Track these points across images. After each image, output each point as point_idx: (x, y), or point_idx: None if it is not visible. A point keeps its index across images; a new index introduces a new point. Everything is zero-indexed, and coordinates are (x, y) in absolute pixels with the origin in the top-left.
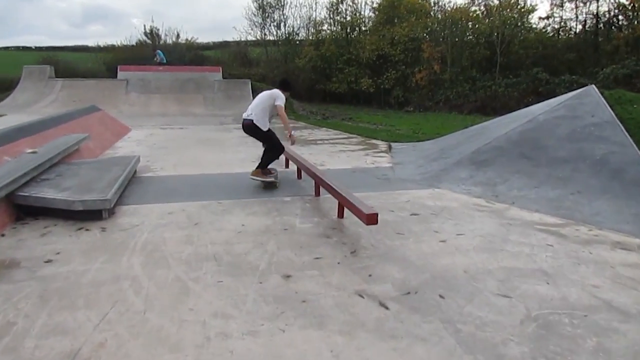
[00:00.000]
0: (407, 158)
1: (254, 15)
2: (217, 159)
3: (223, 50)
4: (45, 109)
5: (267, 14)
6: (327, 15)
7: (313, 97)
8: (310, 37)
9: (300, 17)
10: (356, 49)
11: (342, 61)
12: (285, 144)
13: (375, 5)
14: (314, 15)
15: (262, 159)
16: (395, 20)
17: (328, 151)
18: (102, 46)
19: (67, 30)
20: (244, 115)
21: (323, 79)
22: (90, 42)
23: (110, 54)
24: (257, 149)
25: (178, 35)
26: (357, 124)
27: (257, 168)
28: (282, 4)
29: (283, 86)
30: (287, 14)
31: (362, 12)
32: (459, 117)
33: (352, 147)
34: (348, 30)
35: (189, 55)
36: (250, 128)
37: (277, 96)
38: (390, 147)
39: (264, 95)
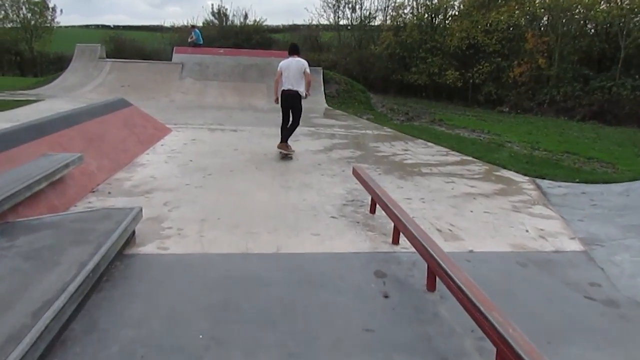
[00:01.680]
0: (596, 225)
1: None
2: (274, 205)
3: (293, 34)
4: (90, 95)
5: None
6: None
7: (388, 88)
8: (389, 22)
9: None
10: (442, 37)
11: (425, 50)
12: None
13: None
14: None
15: (289, 131)
16: (491, 4)
17: (445, 194)
18: (169, 26)
19: (147, 10)
20: (286, 87)
21: (401, 69)
22: (167, 23)
23: (176, 34)
24: (334, 184)
25: (246, 16)
26: (453, 130)
27: (283, 142)
28: None
29: (298, 51)
30: None
31: None
32: (573, 124)
33: (480, 186)
34: (433, 15)
35: (255, 38)
36: (295, 97)
37: (305, 65)
38: (542, 192)
39: (294, 66)
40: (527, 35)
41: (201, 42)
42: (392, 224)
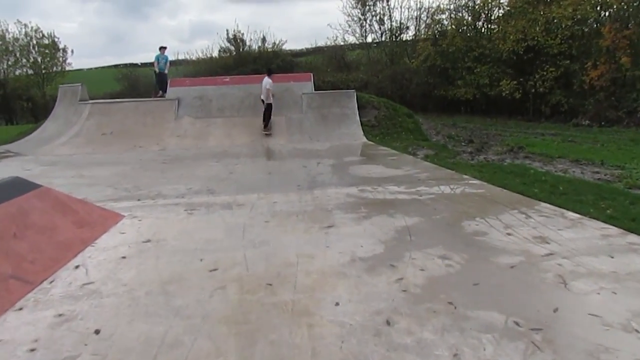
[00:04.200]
0: None
1: (352, 7)
2: None
3: (317, 55)
4: (61, 150)
5: (367, 7)
6: (449, 1)
7: (429, 106)
8: (424, 30)
9: (408, 8)
10: (491, 41)
11: (472, 58)
12: None
13: None
14: (427, 3)
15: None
16: None
17: None
18: (195, 59)
19: (176, 46)
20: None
21: (443, 83)
22: (194, 56)
23: (189, 67)
24: None
25: (264, 39)
26: (554, 165)
27: (266, 126)
28: None
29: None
30: (392, 5)
31: None
32: None
33: None
34: (481, 16)
35: (276, 62)
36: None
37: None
38: None
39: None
40: (602, 30)
41: (163, 70)
42: None
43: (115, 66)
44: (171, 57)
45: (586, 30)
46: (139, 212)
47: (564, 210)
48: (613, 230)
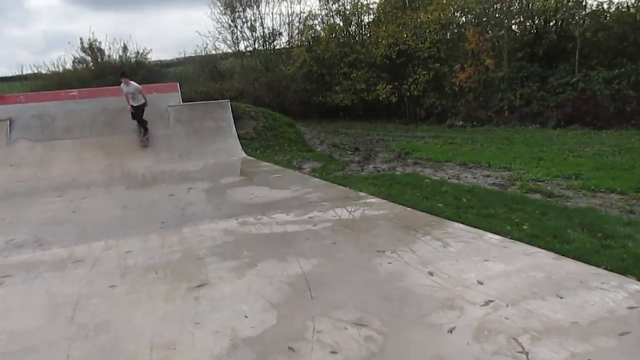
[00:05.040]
0: None
1: (221, 13)
2: None
3: (187, 66)
4: None
5: (237, 13)
6: (320, 6)
7: (308, 113)
8: (298, 37)
9: (280, 14)
10: (365, 46)
11: (347, 63)
12: None
13: None
14: (299, 9)
15: (144, 125)
16: (415, 3)
17: None
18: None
19: (30, 58)
20: (135, 105)
21: (321, 89)
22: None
23: (39, 81)
24: None
25: (125, 48)
26: (445, 171)
27: (146, 132)
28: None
29: (126, 75)
30: (263, 11)
31: None
32: (559, 133)
33: None
34: (352, 22)
35: (141, 73)
36: (141, 108)
37: (137, 88)
38: None
39: (132, 89)
40: (467, 34)
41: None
42: None
43: None
44: (14, 71)
45: (454, 33)
46: None
47: (481, 232)
48: (543, 254)
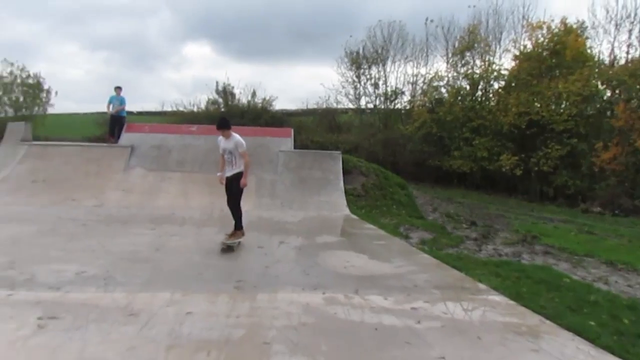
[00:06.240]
0: None
1: (347, 68)
2: None
3: (308, 117)
4: None
5: (362, 70)
6: (447, 68)
7: (422, 176)
8: (420, 97)
9: (405, 73)
10: (492, 113)
11: (470, 128)
12: None
13: (519, 49)
14: (424, 70)
15: (237, 216)
16: (554, 72)
17: None
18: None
19: (179, 97)
20: (229, 174)
21: (439, 153)
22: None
23: (175, 117)
24: None
25: (254, 93)
26: (587, 270)
27: (237, 229)
28: (383, 58)
29: (228, 126)
30: (388, 69)
31: (496, 59)
32: None
33: None
34: (480, 87)
35: (265, 117)
36: (238, 178)
37: (240, 143)
38: None
39: (231, 145)
40: (616, 109)
41: (120, 113)
42: None
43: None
44: (167, 108)
45: (597, 107)
46: None
47: None
48: None
